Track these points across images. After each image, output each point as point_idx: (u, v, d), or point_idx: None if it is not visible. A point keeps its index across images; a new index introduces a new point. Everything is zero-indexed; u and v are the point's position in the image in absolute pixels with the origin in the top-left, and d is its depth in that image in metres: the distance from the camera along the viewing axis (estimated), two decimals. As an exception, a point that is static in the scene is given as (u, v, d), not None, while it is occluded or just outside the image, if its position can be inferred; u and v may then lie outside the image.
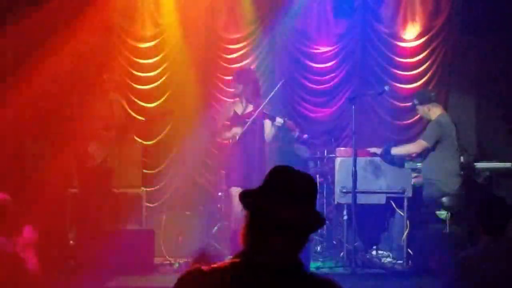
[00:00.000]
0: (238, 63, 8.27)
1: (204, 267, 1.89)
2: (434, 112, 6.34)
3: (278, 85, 6.52)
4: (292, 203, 1.86)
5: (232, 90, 6.94)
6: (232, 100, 6.85)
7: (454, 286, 3.32)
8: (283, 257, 1.86)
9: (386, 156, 6.31)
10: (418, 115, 6.98)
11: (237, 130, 6.42)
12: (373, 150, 6.36)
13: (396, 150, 6.36)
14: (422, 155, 6.52)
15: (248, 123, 6.35)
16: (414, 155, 6.96)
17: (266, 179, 1.93)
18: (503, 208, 3.36)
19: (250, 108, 6.49)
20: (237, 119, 6.52)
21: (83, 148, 6.37)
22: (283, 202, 1.86)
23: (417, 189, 6.28)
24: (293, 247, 1.89)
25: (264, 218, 1.86)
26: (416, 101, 6.42)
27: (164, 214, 6.97)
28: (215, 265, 1.90)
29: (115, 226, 6.50)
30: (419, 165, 6.59)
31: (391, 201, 6.21)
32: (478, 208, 3.41)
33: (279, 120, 6.41)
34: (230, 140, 6.52)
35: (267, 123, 6.57)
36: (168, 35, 8.24)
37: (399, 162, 6.68)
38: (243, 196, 1.92)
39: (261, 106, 6.36)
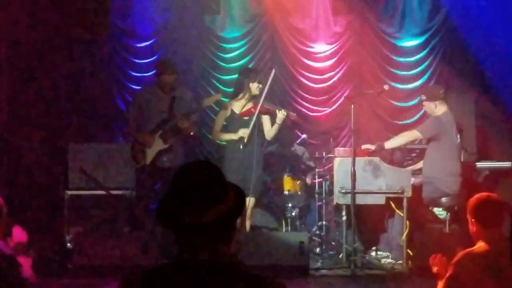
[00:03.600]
0: (236, 62, 8.23)
1: (143, 268, 1.94)
2: (440, 109, 6.27)
3: (271, 76, 6.29)
4: (197, 205, 1.86)
5: (234, 89, 6.74)
6: (228, 99, 6.76)
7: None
8: (206, 255, 1.86)
9: (381, 152, 6.24)
10: (418, 115, 6.93)
11: (244, 131, 6.24)
12: (365, 146, 6.26)
13: (389, 144, 6.29)
14: (421, 155, 6.47)
15: (253, 121, 6.23)
16: (414, 154, 6.93)
17: (171, 185, 1.93)
18: None
19: (249, 105, 6.40)
20: (236, 118, 6.43)
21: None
22: (189, 207, 1.86)
23: (417, 189, 6.23)
24: (215, 243, 1.88)
25: (175, 226, 1.90)
26: (424, 97, 6.33)
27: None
28: (156, 266, 1.93)
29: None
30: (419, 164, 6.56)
31: (391, 202, 6.16)
32: None
33: (282, 113, 6.24)
34: (236, 139, 6.33)
35: (266, 120, 6.45)
36: (165, 34, 8.22)
37: (398, 161, 6.65)
38: (155, 212, 1.96)
39: (260, 102, 6.23)
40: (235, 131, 6.37)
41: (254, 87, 6.31)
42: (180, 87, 6.70)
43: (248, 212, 6.37)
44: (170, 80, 6.45)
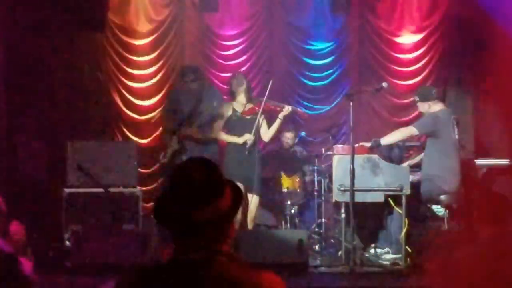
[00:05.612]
0: (234, 60, 8.22)
1: (138, 268, 1.94)
2: (434, 108, 6.26)
3: (269, 85, 6.34)
4: (193, 203, 1.85)
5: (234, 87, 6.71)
6: (227, 97, 6.75)
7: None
8: (202, 254, 1.86)
9: (378, 149, 6.23)
10: (416, 112, 6.91)
11: (250, 137, 6.24)
12: (361, 144, 6.24)
13: (385, 140, 6.28)
14: (419, 149, 6.47)
15: (256, 123, 6.21)
16: (412, 152, 6.92)
17: (168, 184, 1.93)
18: None
19: (250, 105, 6.39)
20: (238, 117, 6.41)
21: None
22: (184, 205, 1.85)
23: (415, 187, 6.22)
24: (211, 242, 1.87)
25: (171, 225, 1.89)
26: (417, 98, 6.33)
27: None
28: (153, 265, 1.93)
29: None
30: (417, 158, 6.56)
31: (389, 199, 6.15)
32: None
33: (287, 109, 6.24)
34: (240, 143, 6.31)
35: (264, 121, 6.45)
36: (163, 32, 8.20)
37: (397, 159, 6.64)
38: (153, 211, 1.95)
39: (263, 101, 6.22)
40: (238, 131, 6.36)
41: (243, 89, 6.35)
42: (209, 91, 6.81)
43: (253, 211, 6.38)
44: (193, 87, 6.63)
